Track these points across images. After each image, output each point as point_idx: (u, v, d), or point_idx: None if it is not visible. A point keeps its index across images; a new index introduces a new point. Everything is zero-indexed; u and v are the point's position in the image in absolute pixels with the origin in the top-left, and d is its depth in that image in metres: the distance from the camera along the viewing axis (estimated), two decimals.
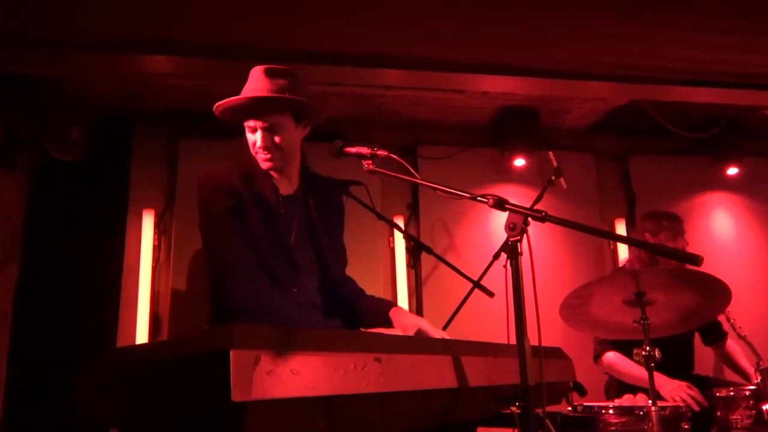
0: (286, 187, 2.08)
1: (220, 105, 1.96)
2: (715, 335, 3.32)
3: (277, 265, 1.95)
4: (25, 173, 3.64)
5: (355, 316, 2.13)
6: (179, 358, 1.01)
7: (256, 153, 1.99)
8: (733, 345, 3.31)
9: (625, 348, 2.90)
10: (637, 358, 2.33)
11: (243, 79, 2.03)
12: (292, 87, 1.95)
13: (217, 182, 1.97)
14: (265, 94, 1.92)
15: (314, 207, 2.11)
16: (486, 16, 3.14)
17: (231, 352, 0.92)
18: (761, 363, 2.62)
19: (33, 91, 3.31)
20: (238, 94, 2.00)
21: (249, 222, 1.94)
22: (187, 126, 3.87)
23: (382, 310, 2.03)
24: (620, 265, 3.67)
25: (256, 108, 1.94)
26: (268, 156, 1.97)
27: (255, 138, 1.97)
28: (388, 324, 1.97)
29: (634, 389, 2.83)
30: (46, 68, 3.19)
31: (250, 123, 1.97)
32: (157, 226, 3.79)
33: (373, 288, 2.23)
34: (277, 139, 1.96)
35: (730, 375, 3.40)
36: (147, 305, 3.63)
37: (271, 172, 2.04)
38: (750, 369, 3.11)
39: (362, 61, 3.30)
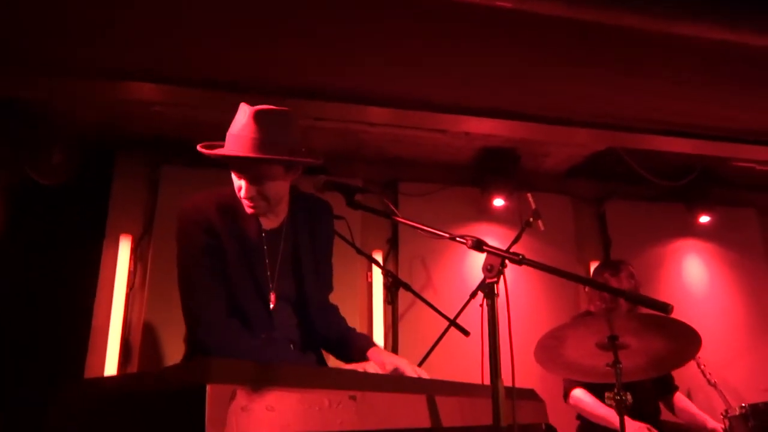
0: (271, 221, 2.01)
1: (203, 152, 1.86)
2: (666, 389, 3.32)
3: (252, 308, 1.90)
4: (4, 194, 3.60)
5: (334, 347, 2.10)
6: (154, 390, 1.01)
7: (241, 198, 1.88)
8: (681, 396, 3.30)
9: (597, 390, 2.93)
10: (608, 402, 2.35)
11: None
12: (282, 134, 1.82)
13: (195, 217, 1.88)
14: (250, 152, 1.77)
15: (302, 231, 2.05)
16: (470, 60, 3.23)
17: (207, 387, 0.92)
18: (729, 411, 2.65)
19: (16, 114, 3.30)
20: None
21: (226, 261, 1.88)
22: (170, 152, 3.87)
23: (361, 346, 2.01)
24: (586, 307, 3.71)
25: (242, 166, 1.83)
26: (252, 204, 1.87)
27: (240, 184, 1.86)
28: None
29: None
30: (30, 92, 3.19)
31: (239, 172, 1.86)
32: (134, 251, 3.76)
33: (349, 322, 2.22)
34: (264, 190, 1.85)
35: None
36: (118, 332, 3.56)
37: None
38: (706, 417, 3.10)
39: (347, 98, 3.36)
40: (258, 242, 1.96)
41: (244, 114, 1.83)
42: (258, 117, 1.80)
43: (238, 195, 1.89)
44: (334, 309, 2.20)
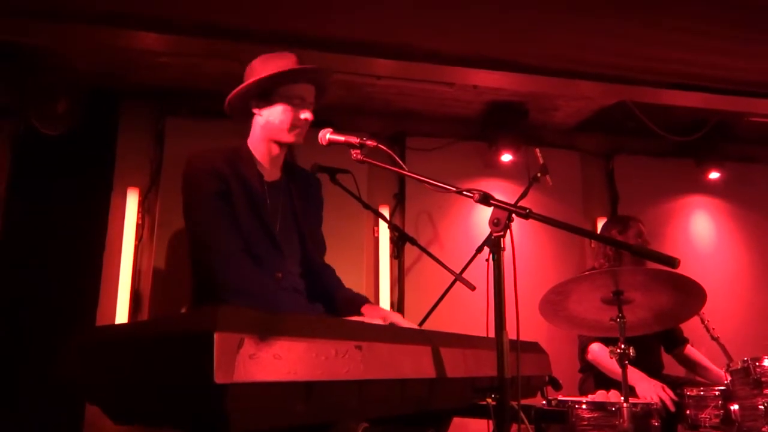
0: (271, 174, 2.10)
1: (267, 75, 1.98)
2: (675, 342, 3.37)
3: (262, 250, 1.97)
4: (8, 144, 3.59)
5: (330, 306, 2.16)
6: (163, 338, 1.02)
7: (294, 126, 2.04)
8: (692, 349, 3.36)
9: (612, 344, 2.95)
10: (612, 356, 2.38)
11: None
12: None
13: (204, 165, 1.96)
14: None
15: (296, 195, 2.15)
16: (478, 10, 3.15)
17: (215, 335, 0.94)
18: (731, 364, 2.68)
19: (20, 61, 3.26)
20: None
21: (235, 206, 1.95)
22: (175, 104, 3.83)
23: (356, 303, 2.07)
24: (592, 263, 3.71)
25: (316, 76, 2.07)
26: (302, 132, 2.07)
27: (301, 111, 2.04)
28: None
29: (608, 387, 2.89)
30: (34, 38, 3.15)
31: (305, 94, 2.06)
32: (141, 204, 3.77)
33: (355, 277, 2.26)
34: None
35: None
36: (128, 283, 3.60)
37: (258, 158, 2.07)
38: (716, 369, 3.18)
39: (354, 49, 3.30)
40: (262, 192, 2.02)
41: (285, 59, 2.05)
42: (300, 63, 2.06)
43: (287, 125, 2.04)
44: (331, 269, 2.27)
